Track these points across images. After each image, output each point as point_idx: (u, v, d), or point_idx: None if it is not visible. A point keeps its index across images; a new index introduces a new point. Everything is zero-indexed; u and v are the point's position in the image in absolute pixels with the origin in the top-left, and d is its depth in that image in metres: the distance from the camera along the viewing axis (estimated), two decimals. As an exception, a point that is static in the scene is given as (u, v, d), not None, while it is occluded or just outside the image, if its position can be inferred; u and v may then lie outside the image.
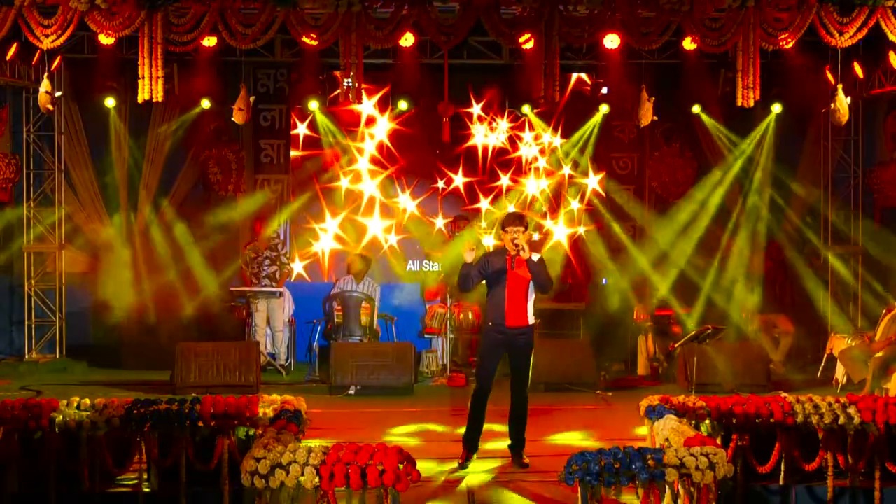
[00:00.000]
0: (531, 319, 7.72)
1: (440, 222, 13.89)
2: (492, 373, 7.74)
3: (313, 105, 13.06)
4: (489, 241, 13.09)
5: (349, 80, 9.94)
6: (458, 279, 7.84)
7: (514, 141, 14.06)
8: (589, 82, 13.64)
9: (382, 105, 13.79)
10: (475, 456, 7.67)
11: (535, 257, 7.65)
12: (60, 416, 6.57)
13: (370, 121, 13.89)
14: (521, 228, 7.59)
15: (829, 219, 13.73)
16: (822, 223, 13.81)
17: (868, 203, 13.61)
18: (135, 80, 9.96)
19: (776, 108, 12.92)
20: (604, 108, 13.39)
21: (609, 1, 9.83)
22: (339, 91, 12.83)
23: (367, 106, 13.74)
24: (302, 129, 13.80)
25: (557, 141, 14.06)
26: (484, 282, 7.78)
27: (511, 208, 13.39)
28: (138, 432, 6.64)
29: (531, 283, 7.65)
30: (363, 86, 10.51)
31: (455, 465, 7.53)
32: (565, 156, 14.03)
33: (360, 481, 5.32)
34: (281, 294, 12.69)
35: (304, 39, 10.06)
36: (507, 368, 7.91)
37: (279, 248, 12.99)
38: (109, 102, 12.70)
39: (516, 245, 7.52)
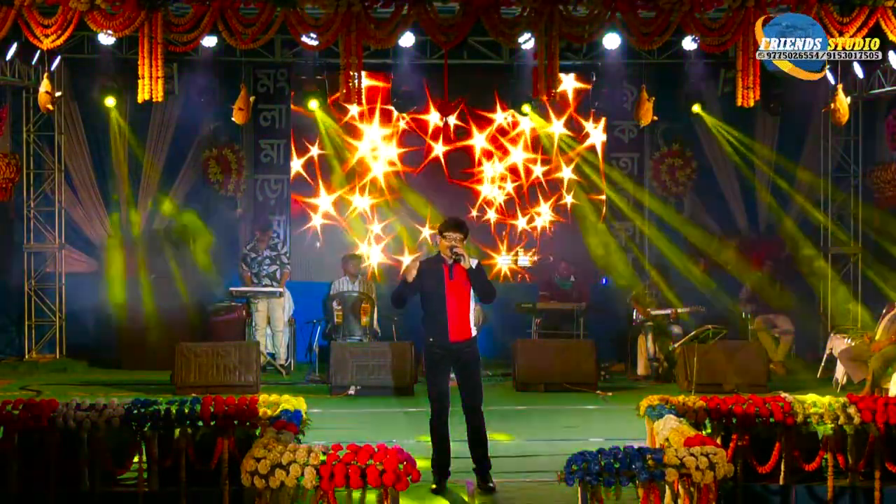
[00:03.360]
0: (474, 331, 7.18)
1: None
2: (444, 392, 7.18)
3: (313, 105, 13.07)
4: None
5: (353, 80, 9.94)
6: (393, 296, 7.32)
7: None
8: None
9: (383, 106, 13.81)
10: (447, 481, 7.12)
11: (473, 263, 7.09)
12: (60, 416, 6.57)
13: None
14: (461, 235, 7.07)
15: (829, 219, 13.74)
16: (822, 223, 13.82)
17: (868, 203, 13.62)
18: (135, 80, 9.95)
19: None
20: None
21: (609, 1, 9.83)
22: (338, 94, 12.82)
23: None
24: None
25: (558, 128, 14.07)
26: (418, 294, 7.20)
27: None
28: (138, 432, 6.65)
29: (472, 293, 7.12)
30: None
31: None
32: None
33: (360, 481, 5.32)
34: (281, 294, 12.69)
35: (304, 39, 10.08)
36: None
37: (279, 248, 12.99)
38: (109, 102, 12.71)
39: (455, 252, 6.98)
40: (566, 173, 14.09)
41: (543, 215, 14.10)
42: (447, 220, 7.30)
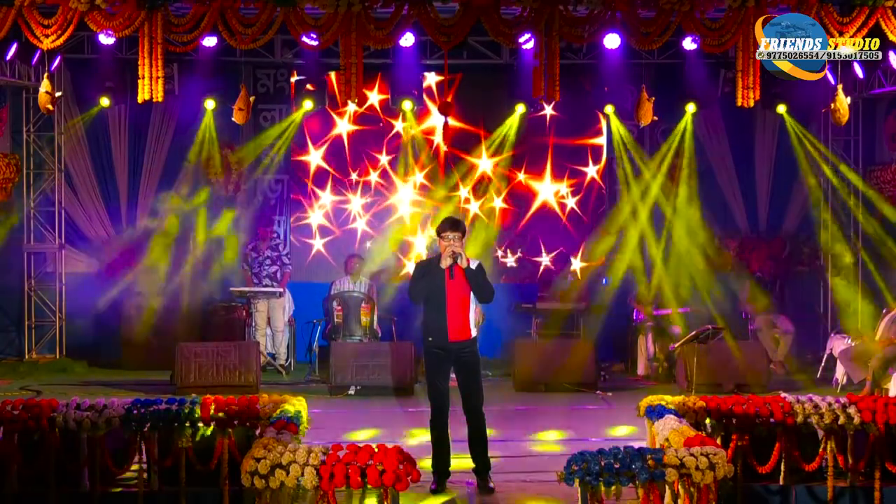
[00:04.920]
0: (474, 332, 7.23)
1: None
2: (444, 391, 7.22)
3: (308, 105, 13.08)
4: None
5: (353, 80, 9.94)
6: (414, 289, 7.26)
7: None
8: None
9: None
10: (447, 481, 7.16)
11: (474, 264, 7.14)
12: (60, 416, 6.57)
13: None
14: (458, 234, 7.11)
15: (829, 219, 13.74)
16: (823, 223, 13.82)
17: (868, 203, 13.62)
18: (135, 80, 9.96)
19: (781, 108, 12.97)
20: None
21: (609, 1, 9.83)
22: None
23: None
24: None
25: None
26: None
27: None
28: (138, 432, 6.64)
29: (472, 294, 7.17)
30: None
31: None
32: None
33: (360, 481, 5.32)
34: (281, 294, 12.69)
35: (304, 39, 10.08)
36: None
37: (280, 248, 12.98)
38: (106, 102, 12.70)
39: (454, 253, 7.04)
40: (563, 174, 14.09)
41: (544, 213, 14.10)
42: (444, 220, 7.33)
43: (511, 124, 13.68)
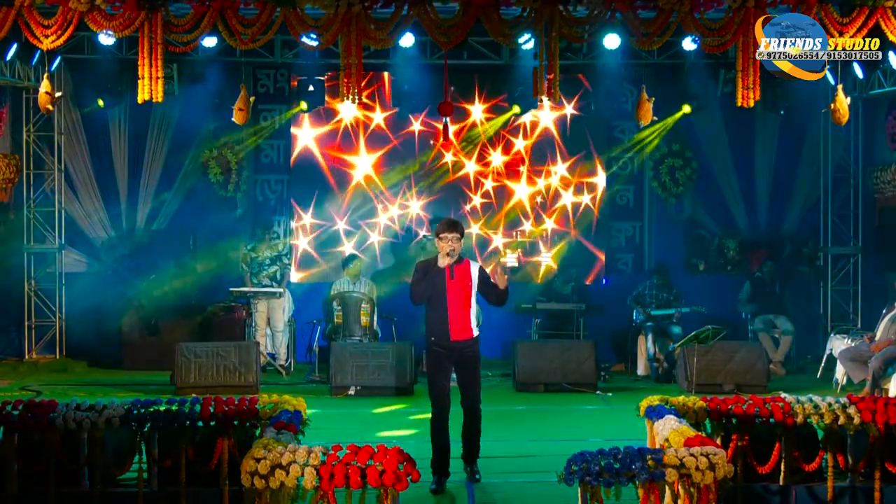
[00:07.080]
0: (475, 331, 7.33)
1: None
2: (445, 391, 7.29)
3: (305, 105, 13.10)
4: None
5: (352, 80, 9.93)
6: (415, 291, 7.31)
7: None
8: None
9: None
10: (447, 481, 7.19)
11: (474, 267, 7.29)
12: (60, 417, 6.56)
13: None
14: (456, 235, 7.17)
15: (829, 219, 13.75)
16: (822, 223, 13.83)
17: (868, 203, 13.62)
18: (135, 80, 9.96)
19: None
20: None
21: (609, 1, 9.83)
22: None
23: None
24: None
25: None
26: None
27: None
28: (138, 432, 6.64)
29: (473, 294, 7.26)
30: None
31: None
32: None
33: (360, 481, 5.32)
34: (281, 294, 12.68)
35: (304, 39, 10.08)
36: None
37: (280, 248, 12.98)
38: (104, 102, 12.70)
39: (452, 252, 7.14)
40: (561, 170, 14.08)
41: (544, 214, 14.10)
42: (442, 221, 7.38)
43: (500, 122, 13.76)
